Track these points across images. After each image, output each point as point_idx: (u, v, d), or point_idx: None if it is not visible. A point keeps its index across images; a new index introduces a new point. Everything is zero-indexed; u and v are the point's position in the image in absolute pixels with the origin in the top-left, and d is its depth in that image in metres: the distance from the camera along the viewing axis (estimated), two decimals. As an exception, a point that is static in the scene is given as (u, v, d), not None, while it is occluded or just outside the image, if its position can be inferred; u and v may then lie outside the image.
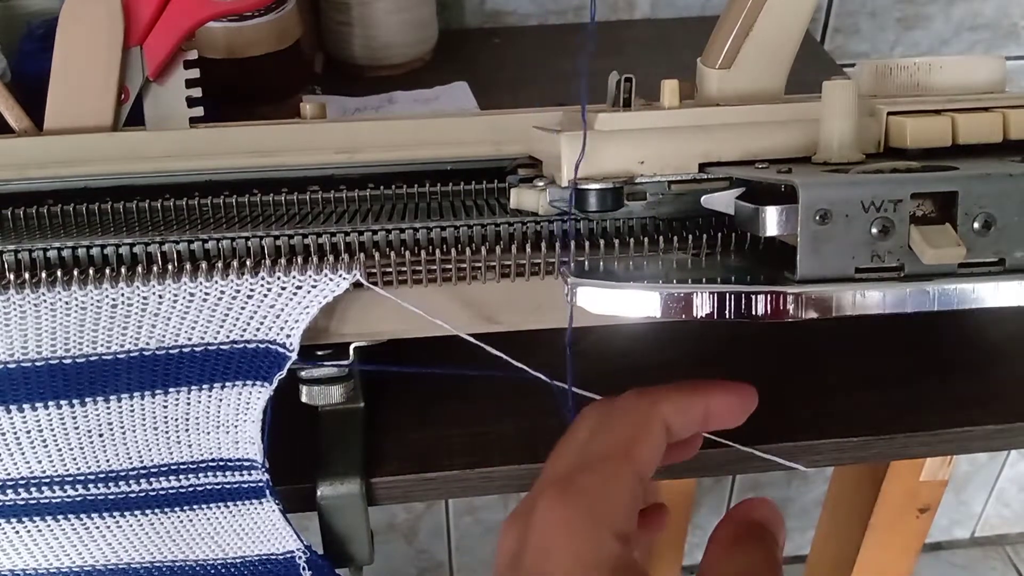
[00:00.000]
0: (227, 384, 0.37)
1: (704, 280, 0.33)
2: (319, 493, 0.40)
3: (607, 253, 0.37)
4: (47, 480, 0.37)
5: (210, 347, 0.37)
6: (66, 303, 0.36)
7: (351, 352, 0.39)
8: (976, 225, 0.31)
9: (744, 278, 0.33)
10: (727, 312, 0.32)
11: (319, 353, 0.39)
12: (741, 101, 0.40)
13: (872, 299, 0.31)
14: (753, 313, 0.32)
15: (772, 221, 0.32)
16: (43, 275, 0.36)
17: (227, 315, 0.36)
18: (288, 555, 0.40)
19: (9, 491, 0.37)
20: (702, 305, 0.32)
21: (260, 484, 0.38)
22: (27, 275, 0.36)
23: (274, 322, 0.36)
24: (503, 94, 0.74)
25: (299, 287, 0.36)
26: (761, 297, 0.31)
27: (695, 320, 0.32)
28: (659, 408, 0.33)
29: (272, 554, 0.40)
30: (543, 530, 0.29)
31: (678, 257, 0.37)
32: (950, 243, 0.30)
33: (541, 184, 0.38)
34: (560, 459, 0.33)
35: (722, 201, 0.36)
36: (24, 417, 0.36)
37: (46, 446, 0.37)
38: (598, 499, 0.30)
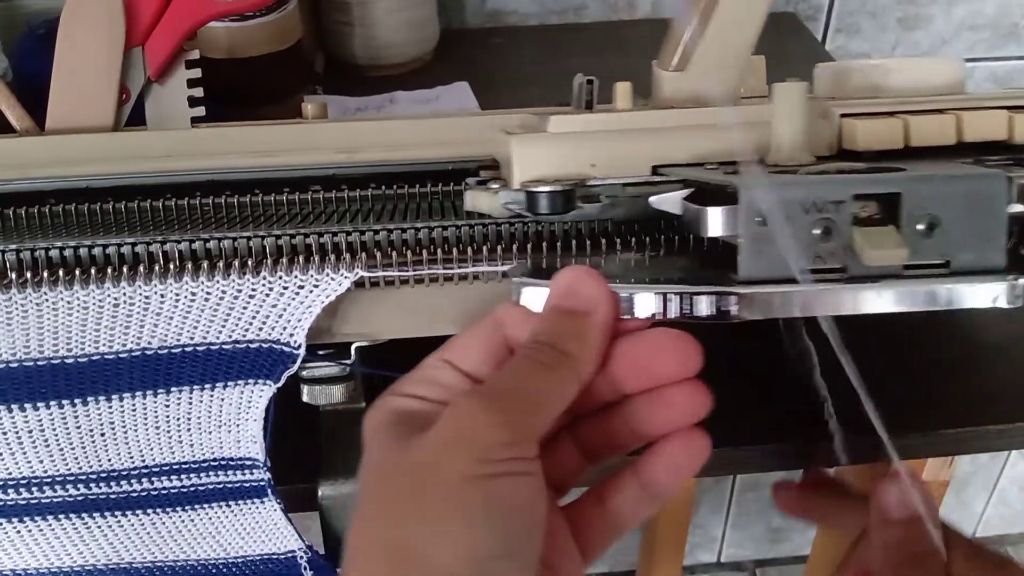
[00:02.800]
0: (229, 384, 0.37)
1: (649, 281, 0.33)
2: (320, 493, 0.40)
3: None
4: (48, 480, 0.38)
5: (212, 347, 0.37)
6: (68, 302, 0.36)
7: (352, 352, 0.39)
8: (920, 227, 0.31)
9: (693, 279, 0.33)
10: (670, 312, 0.32)
11: (320, 353, 0.39)
12: (695, 104, 0.40)
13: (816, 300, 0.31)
14: (696, 314, 0.32)
15: (715, 222, 0.32)
16: (45, 274, 0.36)
17: (228, 315, 0.36)
18: (289, 555, 0.40)
19: (10, 491, 0.38)
20: (646, 305, 0.32)
21: (262, 483, 0.38)
22: (29, 274, 0.36)
23: (276, 322, 0.36)
24: (503, 94, 0.74)
25: (300, 287, 0.36)
26: (703, 298, 0.31)
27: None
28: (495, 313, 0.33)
29: (273, 554, 0.40)
30: None
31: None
32: (892, 245, 0.30)
33: (495, 186, 0.38)
34: None
35: (670, 202, 0.35)
36: (26, 416, 0.36)
37: (47, 445, 0.37)
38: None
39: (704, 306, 0.32)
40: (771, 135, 0.36)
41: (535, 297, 0.33)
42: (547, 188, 0.35)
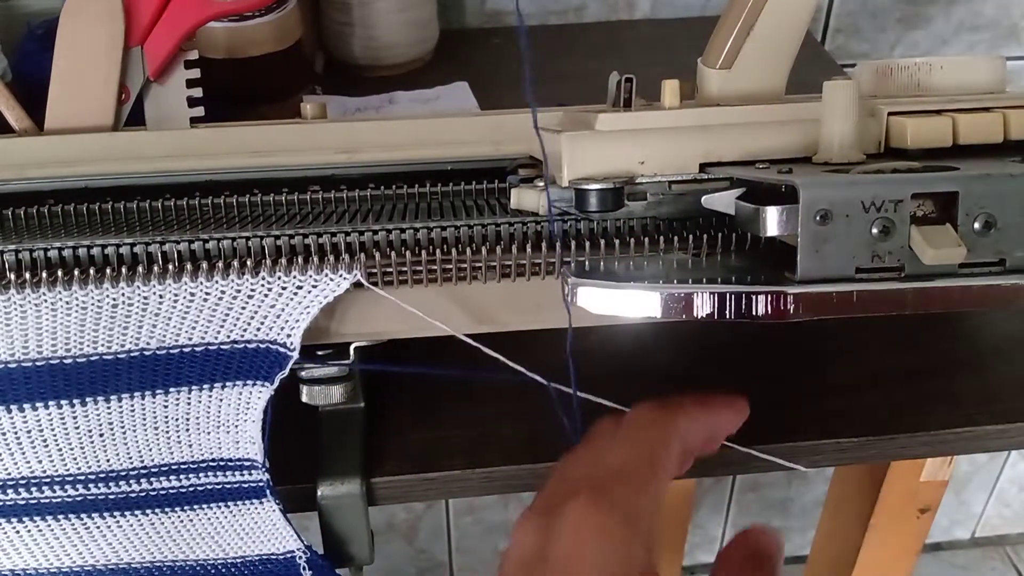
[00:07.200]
0: (227, 384, 0.37)
1: (704, 280, 0.33)
2: (319, 493, 0.40)
3: (607, 253, 0.37)
4: (47, 480, 0.37)
5: (210, 347, 0.37)
6: (66, 303, 0.36)
7: (351, 352, 0.39)
8: (977, 225, 0.31)
9: (744, 278, 0.33)
10: (727, 312, 0.32)
11: (319, 353, 0.39)
12: (742, 101, 0.40)
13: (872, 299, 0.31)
14: (754, 313, 0.32)
15: (773, 221, 0.32)
16: (44, 275, 0.36)
17: (227, 315, 0.36)
18: (288, 555, 0.40)
19: (9, 491, 0.37)
20: (702, 305, 0.32)
21: (260, 484, 0.38)
22: (27, 275, 0.36)
23: (274, 322, 0.36)
24: (503, 94, 0.74)
25: (299, 287, 0.36)
26: (761, 297, 0.31)
27: (696, 320, 0.32)
28: (677, 423, 0.34)
29: (272, 554, 0.40)
30: (574, 535, 0.29)
31: (678, 257, 0.37)
32: (951, 243, 0.30)
33: (541, 184, 0.38)
34: (578, 467, 0.33)
35: (723, 201, 0.36)
36: (24, 417, 0.36)
37: (46, 446, 0.37)
38: (632, 509, 0.30)
39: (762, 306, 0.32)
40: (821, 133, 0.36)
41: (591, 297, 0.33)
42: (597, 185, 0.35)
